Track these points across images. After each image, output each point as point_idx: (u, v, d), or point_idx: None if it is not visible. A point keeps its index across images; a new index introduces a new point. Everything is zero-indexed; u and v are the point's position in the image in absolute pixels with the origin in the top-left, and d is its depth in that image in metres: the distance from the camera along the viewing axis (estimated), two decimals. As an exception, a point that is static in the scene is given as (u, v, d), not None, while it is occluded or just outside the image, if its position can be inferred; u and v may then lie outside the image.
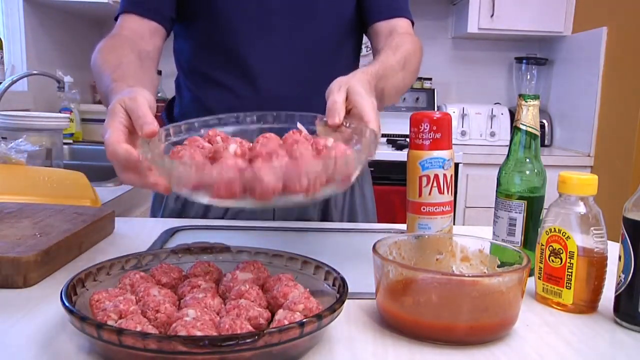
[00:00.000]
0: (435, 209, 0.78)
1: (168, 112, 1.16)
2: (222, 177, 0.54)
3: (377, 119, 0.68)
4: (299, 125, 0.71)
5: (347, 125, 0.69)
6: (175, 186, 0.60)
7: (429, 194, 0.77)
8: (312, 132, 0.70)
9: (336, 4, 1.05)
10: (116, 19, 1.02)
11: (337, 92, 0.70)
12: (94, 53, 0.92)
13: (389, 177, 2.32)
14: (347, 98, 0.70)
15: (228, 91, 1.04)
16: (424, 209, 0.78)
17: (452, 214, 0.80)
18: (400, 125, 2.57)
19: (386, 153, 2.50)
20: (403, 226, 0.98)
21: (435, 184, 0.76)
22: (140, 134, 0.64)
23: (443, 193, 0.77)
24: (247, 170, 0.55)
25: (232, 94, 1.03)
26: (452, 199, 0.79)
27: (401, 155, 2.50)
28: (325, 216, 1.12)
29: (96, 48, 0.93)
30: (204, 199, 0.58)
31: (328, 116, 0.68)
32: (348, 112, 0.70)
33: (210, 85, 1.05)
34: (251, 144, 0.65)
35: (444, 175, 0.77)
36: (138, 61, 0.89)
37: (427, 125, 0.77)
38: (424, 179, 0.77)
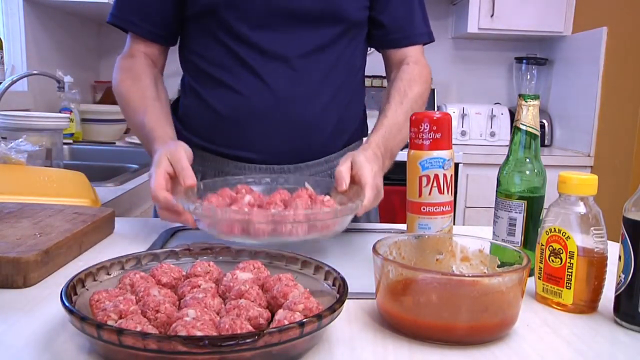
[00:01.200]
0: (435, 209, 0.78)
1: (173, 112, 1.15)
2: (226, 218, 0.73)
3: (373, 182, 0.84)
4: (306, 184, 0.89)
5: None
6: (198, 223, 0.80)
7: (429, 194, 0.77)
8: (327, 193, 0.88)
9: (344, 6, 1.05)
10: (110, 24, 1.10)
11: (342, 164, 0.85)
12: (114, 73, 1.08)
13: (389, 177, 2.31)
14: (352, 167, 0.85)
15: (234, 92, 1.04)
16: (424, 209, 0.78)
17: (452, 214, 0.80)
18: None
19: (386, 153, 2.50)
20: (403, 226, 0.98)
21: (435, 184, 0.77)
22: (182, 184, 0.81)
23: (443, 193, 0.77)
24: (244, 215, 0.73)
25: (238, 94, 1.03)
26: (452, 199, 0.79)
27: (401, 155, 2.49)
28: None
29: (115, 67, 1.09)
30: (214, 234, 0.77)
31: (337, 184, 0.84)
32: (353, 178, 0.85)
33: (216, 86, 1.06)
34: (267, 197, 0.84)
35: (444, 175, 0.77)
36: (155, 90, 1.05)
37: (427, 125, 0.77)
38: (424, 179, 0.77)
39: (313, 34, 1.04)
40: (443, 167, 0.76)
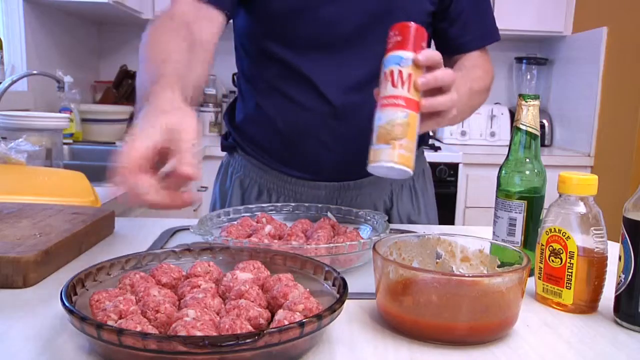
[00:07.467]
0: (387, 100, 0.75)
1: (230, 116, 1.14)
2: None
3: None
4: (329, 214, 0.90)
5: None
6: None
7: (384, 88, 0.76)
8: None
9: (404, 4, 1.02)
10: None
11: None
12: (146, 31, 0.86)
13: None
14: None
15: (294, 103, 1.02)
16: (378, 102, 0.76)
17: (413, 112, 0.74)
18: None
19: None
20: (404, 226, 0.98)
21: (390, 79, 0.75)
22: (178, 170, 0.60)
23: (396, 87, 0.75)
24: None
25: (298, 106, 1.01)
26: (409, 96, 0.74)
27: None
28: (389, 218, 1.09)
29: (149, 25, 0.87)
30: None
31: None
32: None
33: (274, 95, 1.03)
34: (288, 226, 0.85)
35: (399, 71, 0.75)
36: (187, 55, 0.82)
37: (394, 32, 0.77)
38: (382, 75, 0.76)
39: (375, 47, 1.01)
40: (399, 64, 0.75)
